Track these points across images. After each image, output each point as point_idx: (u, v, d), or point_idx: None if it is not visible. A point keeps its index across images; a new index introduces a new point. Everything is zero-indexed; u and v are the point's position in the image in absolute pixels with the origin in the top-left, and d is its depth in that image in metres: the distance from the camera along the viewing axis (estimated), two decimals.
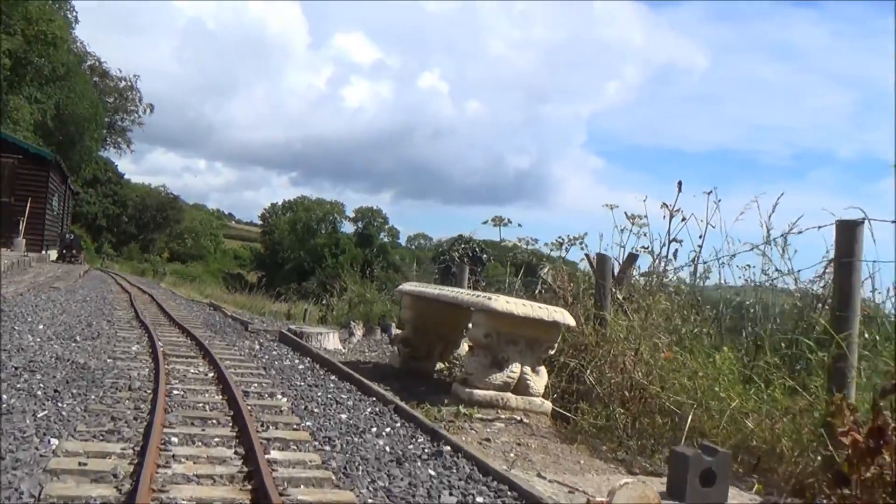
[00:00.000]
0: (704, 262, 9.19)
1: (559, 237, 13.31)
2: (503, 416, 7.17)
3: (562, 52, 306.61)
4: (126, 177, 73.81)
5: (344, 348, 11.24)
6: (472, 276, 14.41)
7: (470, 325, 9.45)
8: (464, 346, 9.50)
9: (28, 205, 29.75)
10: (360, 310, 18.67)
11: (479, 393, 7.21)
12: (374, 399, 6.64)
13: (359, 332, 12.56)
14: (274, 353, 9.57)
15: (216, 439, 4.79)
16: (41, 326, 9.71)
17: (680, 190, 9.56)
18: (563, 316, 7.50)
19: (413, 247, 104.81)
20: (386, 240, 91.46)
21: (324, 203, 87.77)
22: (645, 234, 10.01)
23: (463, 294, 8.08)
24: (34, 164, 30.01)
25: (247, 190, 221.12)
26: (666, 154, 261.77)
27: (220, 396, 6.18)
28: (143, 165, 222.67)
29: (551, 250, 13.75)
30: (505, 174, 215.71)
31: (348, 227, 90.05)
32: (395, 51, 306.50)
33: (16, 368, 6.39)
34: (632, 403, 7.16)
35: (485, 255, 35.76)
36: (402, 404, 6.31)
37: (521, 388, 7.46)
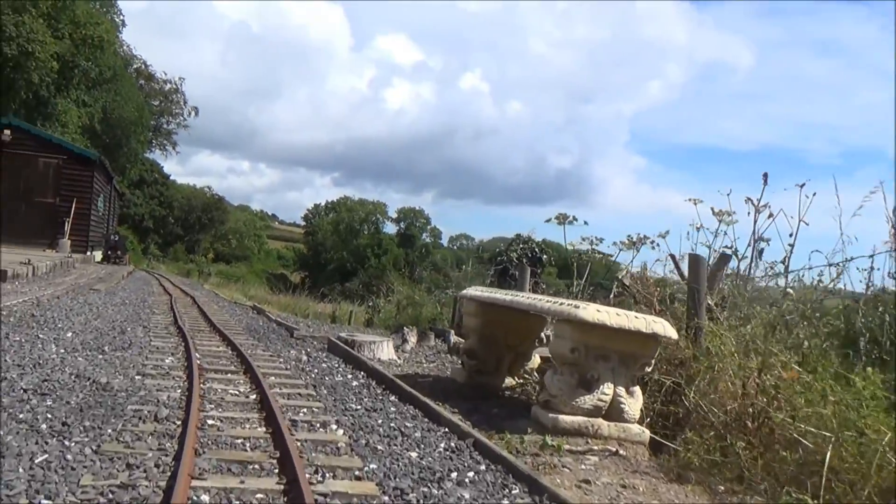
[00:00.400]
0: (811, 267, 7.96)
1: (629, 236, 12.08)
2: (595, 448, 5.97)
3: (604, 51, 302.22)
4: (172, 178, 74.08)
5: (399, 358, 10.16)
6: (532, 278, 13.25)
7: (548, 337, 8.27)
8: (535, 359, 8.32)
9: (73, 205, 29.34)
10: (409, 313, 17.60)
11: (565, 419, 6.03)
12: (447, 430, 5.49)
13: (412, 338, 11.44)
14: (323, 365, 8.50)
15: (258, 496, 3.69)
16: (69, 334, 8.78)
17: (766, 183, 8.34)
18: (664, 327, 6.28)
19: (455, 247, 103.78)
20: (428, 240, 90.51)
21: (366, 203, 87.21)
22: (726, 233, 8.83)
23: (542, 301, 6.89)
24: (79, 165, 29.59)
25: (290, 191, 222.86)
26: (710, 153, 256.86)
27: (264, 428, 5.08)
28: (188, 167, 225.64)
29: (620, 250, 12.50)
30: (546, 174, 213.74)
31: (391, 228, 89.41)
32: (437, 52, 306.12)
33: (24, 391, 5.39)
34: (754, 434, 5.90)
35: (545, 257, 34.42)
36: (484, 439, 5.15)
37: (613, 412, 6.27)
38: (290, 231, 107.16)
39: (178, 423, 4.94)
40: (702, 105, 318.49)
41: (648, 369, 6.58)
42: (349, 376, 7.81)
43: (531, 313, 7.38)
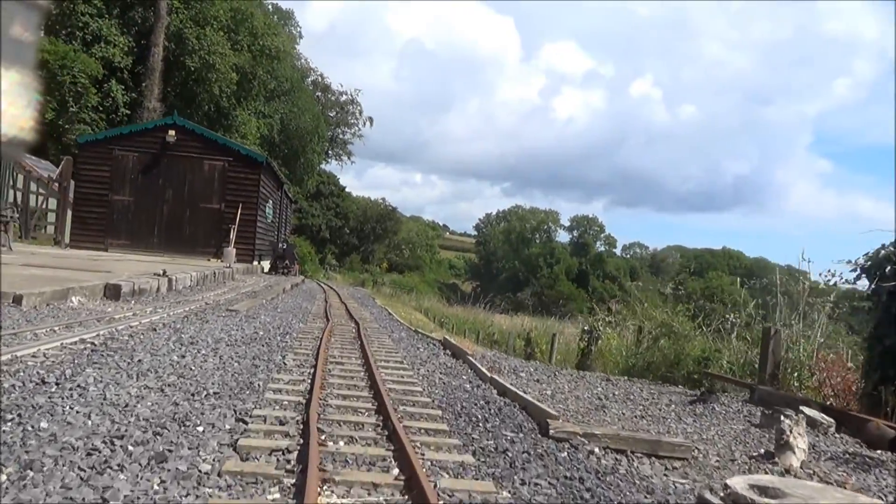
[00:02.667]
0: None
1: None
2: None
3: (783, 51, 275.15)
4: (347, 190, 71.90)
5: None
6: None
7: None
8: None
9: (238, 211, 25.58)
10: (662, 349, 11.36)
11: None
12: None
13: (799, 437, 5.10)
14: None
15: None
16: (130, 391, 3.65)
17: None
18: None
19: (628, 256, 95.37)
20: (602, 249, 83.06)
21: (538, 212, 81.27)
22: None
23: None
24: (244, 167, 25.83)
25: (461, 201, 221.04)
26: None
27: None
28: (364, 180, 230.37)
29: None
30: (722, 180, 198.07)
31: (563, 237, 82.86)
32: (607, 58, 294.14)
33: None
34: None
35: None
36: None
37: None
38: (461, 241, 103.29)
39: None
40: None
41: None
42: None
43: None
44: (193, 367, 5.99)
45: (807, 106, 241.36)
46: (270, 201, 28.98)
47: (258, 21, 43.62)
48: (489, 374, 6.82)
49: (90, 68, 32.53)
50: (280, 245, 27.66)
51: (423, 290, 64.67)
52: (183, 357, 6.37)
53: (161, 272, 14.13)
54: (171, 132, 25.23)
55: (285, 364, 6.80)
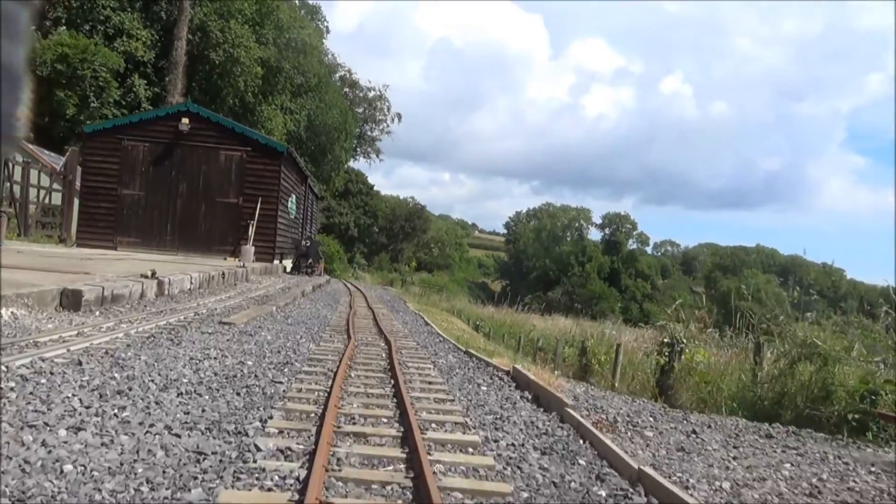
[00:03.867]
0: None
1: None
2: None
3: (815, 46, 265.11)
4: (376, 189, 69.09)
5: None
6: None
7: None
8: None
9: (258, 206, 22.71)
10: (803, 376, 8.10)
11: None
12: None
13: None
14: None
15: None
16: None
17: None
18: None
19: (659, 254, 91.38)
20: (634, 246, 79.25)
21: (569, 209, 77.66)
22: None
23: None
24: (264, 157, 22.93)
25: (489, 200, 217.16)
26: None
27: None
28: (392, 179, 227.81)
29: None
30: (754, 177, 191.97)
31: (595, 234, 79.18)
32: (637, 55, 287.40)
33: None
34: None
35: None
36: None
37: None
38: (490, 239, 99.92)
39: None
40: None
41: None
42: None
43: None
44: (189, 401, 2.96)
45: (840, 101, 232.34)
46: (293, 196, 26.07)
47: (284, 14, 40.96)
48: (631, 462, 3.64)
49: (111, 62, 30.21)
50: (303, 242, 24.76)
51: (452, 289, 61.65)
52: (174, 381, 3.34)
53: (149, 273, 11.21)
54: (185, 120, 22.41)
55: (297, 397, 3.76)
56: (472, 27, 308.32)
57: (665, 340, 12.26)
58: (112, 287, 9.58)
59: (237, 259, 21.80)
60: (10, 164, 19.57)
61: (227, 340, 7.35)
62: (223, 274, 15.21)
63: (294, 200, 26.28)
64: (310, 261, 24.73)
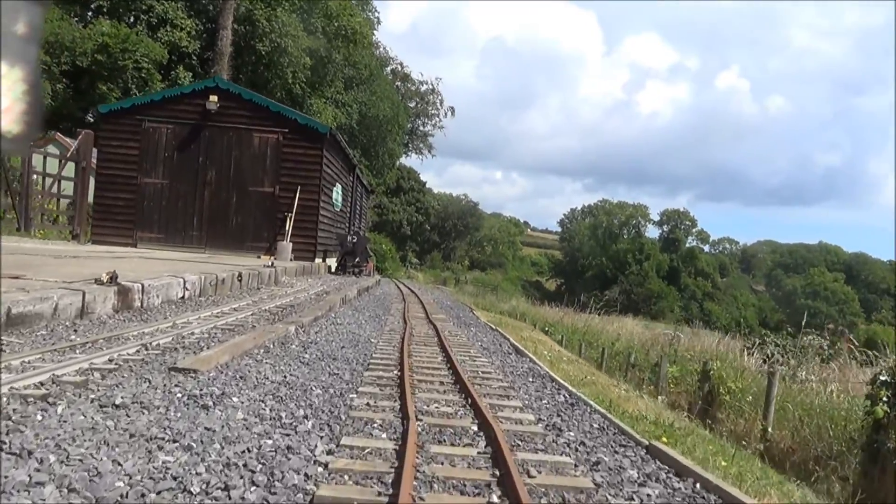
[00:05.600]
0: None
1: None
2: None
3: (876, 38, 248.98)
4: (428, 186, 65.02)
5: None
6: None
7: None
8: None
9: (296, 196, 18.74)
10: None
11: None
12: None
13: None
14: None
15: None
16: None
17: None
18: None
19: (716, 252, 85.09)
20: (694, 244, 73.36)
21: (626, 206, 72.11)
22: None
23: None
24: (304, 140, 18.92)
25: (541, 198, 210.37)
26: None
27: None
28: (444, 178, 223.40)
29: None
30: (812, 173, 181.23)
31: (652, 231, 73.48)
32: (692, 50, 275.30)
33: None
34: None
35: None
36: None
37: None
38: (543, 237, 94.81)
39: None
40: None
41: None
42: None
43: None
44: None
45: None
46: (339, 185, 22.03)
47: (333, 2, 37.18)
48: None
49: (154, 53, 27.03)
50: (349, 238, 20.69)
51: (506, 288, 57.20)
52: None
53: (107, 278, 7.16)
54: (213, 98, 18.57)
55: None
56: (526, 25, 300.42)
57: (884, 378, 7.65)
58: (24, 302, 5.55)
59: (271, 257, 17.87)
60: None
61: (146, 427, 3.16)
62: (239, 275, 11.14)
63: (340, 191, 22.25)
64: (357, 259, 20.64)
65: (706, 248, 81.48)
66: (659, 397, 12.70)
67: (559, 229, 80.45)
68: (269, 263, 14.05)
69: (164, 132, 18.88)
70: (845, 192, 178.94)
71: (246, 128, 18.82)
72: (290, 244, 18.37)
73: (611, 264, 67.69)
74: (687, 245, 72.53)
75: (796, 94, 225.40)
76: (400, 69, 53.11)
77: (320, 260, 19.88)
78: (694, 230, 72.99)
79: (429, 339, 8.14)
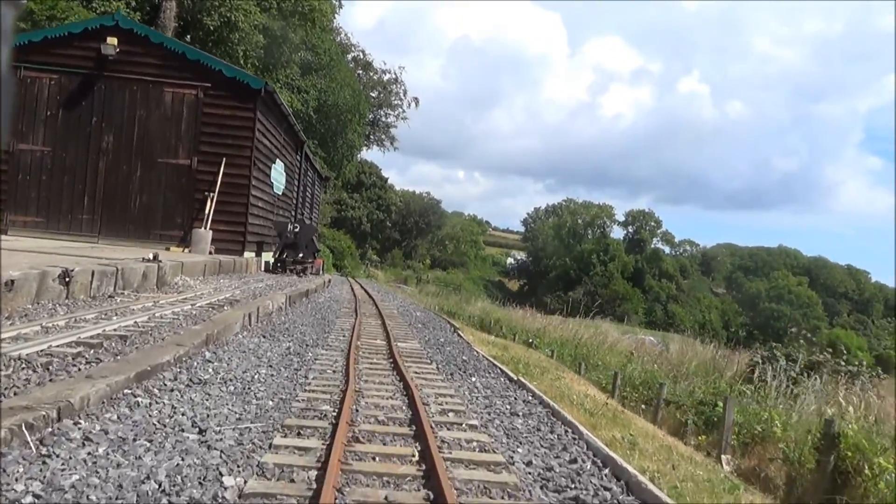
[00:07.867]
0: None
1: None
2: None
3: (835, 46, 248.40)
4: (390, 183, 60.20)
5: None
6: None
7: None
8: None
9: (220, 171, 13.82)
10: None
11: None
12: None
13: None
14: None
15: None
16: None
17: None
18: None
19: (677, 254, 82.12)
20: (659, 245, 70.04)
21: (591, 206, 68.32)
22: None
23: None
24: (232, 98, 14.03)
25: (503, 198, 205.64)
26: None
27: None
28: (407, 176, 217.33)
29: None
30: (770, 177, 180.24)
31: (617, 232, 69.85)
32: (655, 54, 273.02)
33: None
34: None
35: None
36: None
37: None
38: (505, 237, 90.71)
39: None
40: None
41: None
42: None
43: None
44: None
45: (858, 102, 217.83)
46: (280, 162, 17.12)
47: None
48: None
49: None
50: (290, 227, 15.78)
51: (469, 288, 52.78)
52: None
53: None
54: (111, 39, 13.54)
55: None
56: (492, 25, 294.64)
57: None
58: None
59: (186, 249, 12.97)
60: None
61: None
62: (65, 274, 6.24)
63: (282, 170, 17.34)
64: (300, 254, 15.75)
65: (667, 249, 78.51)
66: (723, 459, 8.25)
67: (522, 229, 76.35)
68: (158, 259, 9.11)
69: (47, 84, 13.76)
70: (802, 198, 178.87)
71: (155, 80, 13.82)
72: (210, 233, 13.44)
73: (575, 265, 63.85)
74: (652, 246, 69.21)
75: (755, 100, 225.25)
76: (362, 57, 48.12)
77: (252, 254, 14.98)
78: (659, 231, 69.79)
79: (393, 411, 3.42)
